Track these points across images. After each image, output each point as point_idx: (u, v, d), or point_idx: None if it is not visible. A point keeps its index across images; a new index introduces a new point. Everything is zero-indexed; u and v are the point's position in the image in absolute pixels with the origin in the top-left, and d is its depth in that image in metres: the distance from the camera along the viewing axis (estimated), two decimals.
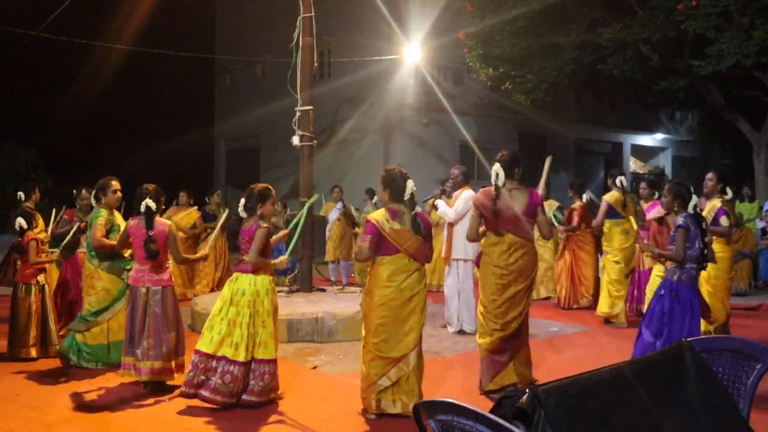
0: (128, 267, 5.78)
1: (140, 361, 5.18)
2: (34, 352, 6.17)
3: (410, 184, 4.62)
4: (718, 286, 6.50)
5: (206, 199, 10.53)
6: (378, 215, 4.59)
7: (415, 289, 4.57)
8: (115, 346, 5.79)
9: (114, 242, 5.78)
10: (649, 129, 26.26)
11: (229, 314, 4.87)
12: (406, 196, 4.62)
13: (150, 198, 5.32)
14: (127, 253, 5.92)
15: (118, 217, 6.16)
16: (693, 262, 4.93)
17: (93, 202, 6.30)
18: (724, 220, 6.42)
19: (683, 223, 4.91)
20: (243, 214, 4.99)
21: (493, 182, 5.08)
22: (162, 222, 5.38)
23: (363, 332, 4.68)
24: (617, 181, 8.10)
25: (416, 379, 4.61)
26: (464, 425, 2.07)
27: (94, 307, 5.87)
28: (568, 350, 6.69)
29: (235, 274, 4.98)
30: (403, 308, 4.54)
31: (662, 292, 4.97)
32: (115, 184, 6.05)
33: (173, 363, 5.28)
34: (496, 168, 5.07)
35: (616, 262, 7.95)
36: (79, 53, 20.79)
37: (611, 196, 8.08)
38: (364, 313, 4.67)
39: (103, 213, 5.96)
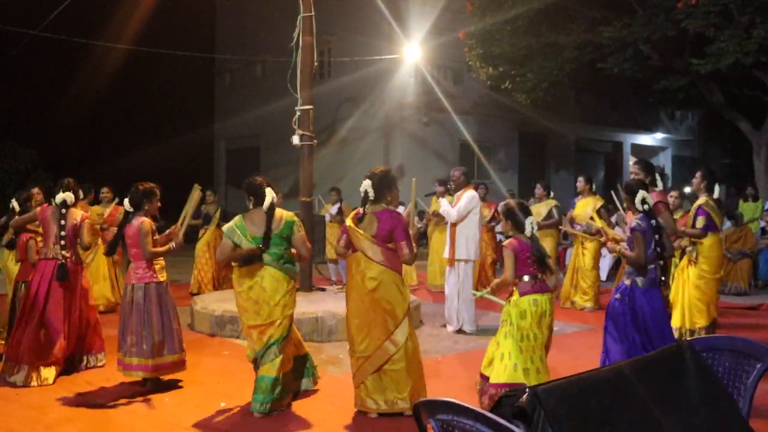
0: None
1: (125, 357, 5.21)
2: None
3: (363, 185, 4.72)
4: (704, 286, 6.55)
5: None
6: (351, 214, 4.82)
7: (368, 288, 4.57)
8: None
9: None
10: (649, 128, 26.27)
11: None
12: (362, 195, 4.72)
13: (128, 197, 5.34)
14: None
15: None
16: (651, 263, 4.76)
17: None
18: (699, 221, 6.47)
19: (636, 226, 4.69)
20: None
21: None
22: (137, 221, 5.27)
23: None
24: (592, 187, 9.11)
25: (401, 376, 4.54)
26: (464, 425, 2.07)
27: None
28: (568, 350, 6.68)
29: (533, 296, 4.60)
30: (363, 305, 4.58)
31: (618, 296, 4.83)
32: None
33: (151, 362, 5.16)
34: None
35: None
36: (79, 53, 20.78)
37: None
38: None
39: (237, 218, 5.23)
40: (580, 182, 9.20)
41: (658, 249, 4.73)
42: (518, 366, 4.47)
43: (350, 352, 4.71)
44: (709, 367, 2.68)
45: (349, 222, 4.73)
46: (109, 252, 5.83)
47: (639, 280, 4.77)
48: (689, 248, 6.58)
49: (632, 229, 4.71)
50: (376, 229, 4.63)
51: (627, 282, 4.86)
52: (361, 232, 4.64)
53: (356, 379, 4.64)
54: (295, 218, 4.92)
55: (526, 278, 4.56)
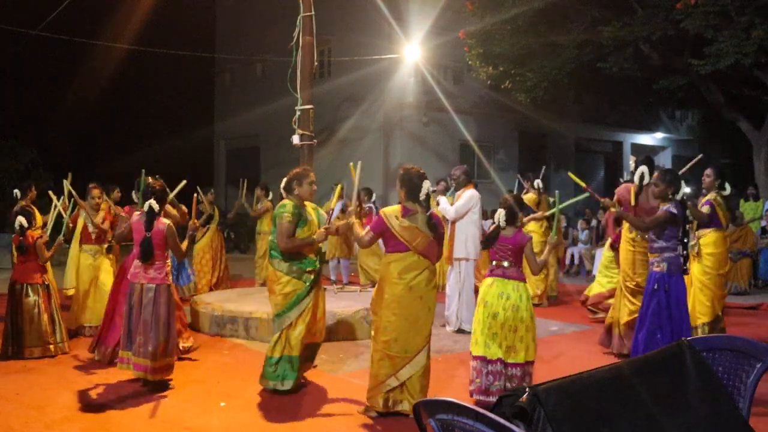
0: (309, 269, 5.19)
1: (133, 356, 5.20)
2: (37, 352, 6.19)
3: (426, 185, 4.63)
4: (708, 282, 6.53)
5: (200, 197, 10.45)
6: (389, 210, 4.66)
7: (425, 288, 4.57)
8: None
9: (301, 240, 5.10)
10: (649, 128, 26.26)
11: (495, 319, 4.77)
12: (422, 196, 4.64)
13: (155, 198, 5.32)
14: (310, 254, 5.22)
15: (310, 211, 5.34)
16: (674, 250, 5.09)
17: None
18: (705, 208, 6.52)
19: (675, 211, 5.07)
20: (503, 224, 4.87)
21: (636, 181, 6.26)
22: (161, 221, 5.37)
23: (372, 331, 4.70)
24: (534, 184, 9.53)
25: (425, 380, 4.61)
26: (464, 424, 2.07)
27: (274, 312, 5.31)
28: (568, 350, 6.69)
29: (491, 279, 4.85)
30: (412, 307, 4.53)
31: (655, 286, 5.05)
32: (312, 175, 5.28)
33: (160, 363, 5.20)
34: (642, 169, 6.22)
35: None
36: (79, 53, 20.80)
37: (528, 198, 9.38)
38: (374, 311, 4.70)
39: (288, 205, 5.12)
40: (526, 183, 9.95)
41: (686, 239, 5.11)
42: (480, 340, 4.78)
43: (386, 356, 4.54)
44: (709, 367, 2.68)
45: (406, 222, 4.56)
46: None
47: (669, 266, 5.05)
48: (692, 243, 6.54)
49: (667, 210, 5.09)
50: (437, 229, 4.65)
51: (658, 269, 5.06)
52: (427, 232, 4.59)
53: (384, 383, 4.54)
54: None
55: (493, 263, 4.95)
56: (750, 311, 9.14)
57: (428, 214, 4.62)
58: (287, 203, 5.14)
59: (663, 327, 4.97)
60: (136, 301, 5.25)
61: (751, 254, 10.94)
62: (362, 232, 4.80)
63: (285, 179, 5.31)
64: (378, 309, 4.63)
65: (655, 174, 5.45)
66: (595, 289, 8.33)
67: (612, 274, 7.94)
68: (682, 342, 2.73)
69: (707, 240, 6.55)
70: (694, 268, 6.58)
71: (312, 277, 5.20)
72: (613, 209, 5.92)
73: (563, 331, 7.65)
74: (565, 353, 6.53)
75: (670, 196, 5.19)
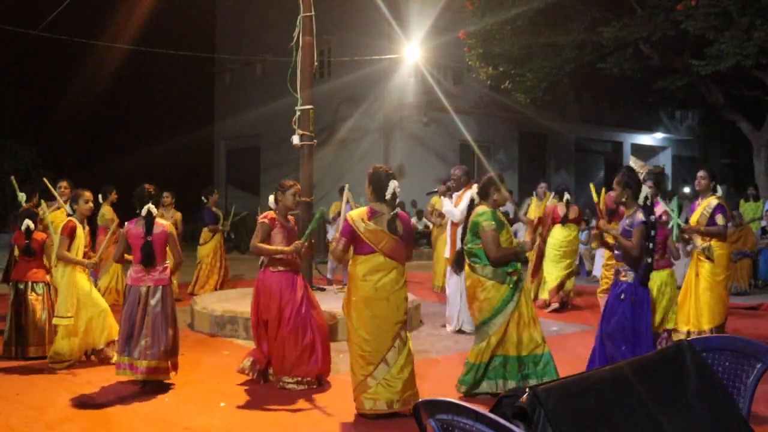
0: (510, 270, 4.98)
1: (137, 360, 5.18)
2: (39, 351, 6.18)
3: (392, 184, 4.62)
4: (717, 287, 6.41)
5: (203, 198, 10.42)
6: (355, 214, 4.64)
7: (392, 288, 4.57)
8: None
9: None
10: (649, 128, 26.27)
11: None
12: (387, 196, 4.62)
13: (153, 202, 5.33)
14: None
15: (501, 215, 5.16)
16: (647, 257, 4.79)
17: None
18: (720, 219, 6.21)
19: (645, 219, 4.70)
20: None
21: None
22: (161, 223, 5.37)
23: (347, 332, 4.72)
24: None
25: (406, 378, 4.57)
26: (464, 424, 2.07)
27: (478, 319, 5.12)
28: (568, 350, 6.68)
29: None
30: (380, 308, 4.54)
31: (622, 296, 4.78)
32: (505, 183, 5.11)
33: (169, 362, 5.28)
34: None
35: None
36: (79, 53, 20.80)
37: (437, 201, 9.62)
38: (345, 313, 4.71)
39: (488, 212, 4.99)
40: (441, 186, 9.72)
41: (650, 245, 4.74)
42: None
43: (360, 356, 4.57)
44: (709, 367, 2.68)
45: (371, 225, 4.56)
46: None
47: (637, 277, 4.76)
48: (703, 246, 6.33)
49: (642, 222, 4.68)
50: (402, 229, 4.63)
51: (627, 279, 4.83)
52: (392, 234, 4.58)
53: (364, 384, 4.54)
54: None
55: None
56: (750, 311, 9.13)
57: (392, 214, 4.61)
58: (486, 210, 5.03)
59: (627, 339, 4.71)
60: (141, 305, 5.23)
61: (751, 254, 10.94)
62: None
63: (480, 185, 5.19)
64: (348, 311, 4.66)
65: (617, 177, 4.98)
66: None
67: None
68: (682, 342, 2.73)
69: (716, 243, 6.39)
70: (702, 272, 6.35)
71: (514, 278, 4.99)
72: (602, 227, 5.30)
73: (563, 332, 7.64)
74: (565, 353, 6.52)
75: (625, 200, 4.85)
